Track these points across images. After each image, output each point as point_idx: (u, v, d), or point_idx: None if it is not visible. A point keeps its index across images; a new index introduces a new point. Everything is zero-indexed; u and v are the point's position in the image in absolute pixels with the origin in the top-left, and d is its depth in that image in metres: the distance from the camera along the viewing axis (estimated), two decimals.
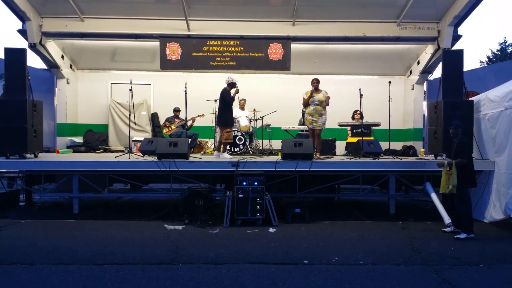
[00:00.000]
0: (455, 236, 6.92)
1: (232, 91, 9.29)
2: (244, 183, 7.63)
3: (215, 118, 11.11)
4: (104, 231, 7.07)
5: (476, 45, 48.74)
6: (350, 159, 8.94)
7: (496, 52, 33.48)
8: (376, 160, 8.78)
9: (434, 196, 8.21)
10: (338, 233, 7.13)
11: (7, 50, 8.64)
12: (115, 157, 8.98)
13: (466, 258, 5.80)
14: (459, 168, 6.82)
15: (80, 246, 6.17)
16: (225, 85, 9.33)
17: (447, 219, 7.53)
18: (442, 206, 7.94)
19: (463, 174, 6.85)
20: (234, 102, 9.46)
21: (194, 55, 10.89)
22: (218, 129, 11.19)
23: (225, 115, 9.31)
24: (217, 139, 11.23)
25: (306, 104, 9.29)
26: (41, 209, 9.18)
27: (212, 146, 11.45)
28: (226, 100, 9.20)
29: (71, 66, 12.24)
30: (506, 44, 33.32)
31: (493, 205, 7.84)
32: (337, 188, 9.43)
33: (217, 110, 9.73)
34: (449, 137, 7.30)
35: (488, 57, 33.91)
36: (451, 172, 6.85)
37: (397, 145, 11.33)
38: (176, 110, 11.17)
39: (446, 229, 7.35)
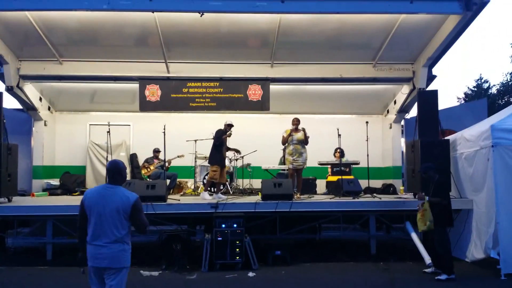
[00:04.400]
0: (436, 278, 6.87)
1: (228, 132, 9.41)
2: (223, 226, 7.53)
3: (195, 158, 11.11)
4: (77, 279, 6.79)
5: (452, 82, 50.31)
6: (330, 198, 8.92)
7: (473, 89, 34.47)
8: (356, 199, 8.77)
9: (414, 236, 8.20)
10: (320, 277, 7.02)
11: None
12: None
13: None
14: (438, 208, 6.85)
15: None
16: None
17: (427, 259, 7.51)
18: (422, 245, 7.93)
19: (441, 214, 6.88)
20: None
21: (173, 96, 10.88)
22: (197, 169, 11.17)
23: (212, 153, 9.35)
24: (197, 179, 11.18)
25: (284, 142, 9.36)
26: (15, 255, 8.89)
27: (192, 186, 11.34)
28: (215, 139, 9.34)
29: (49, 108, 12.11)
30: (482, 81, 34.38)
31: (474, 244, 7.85)
32: (318, 227, 9.35)
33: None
34: (424, 178, 7.39)
35: (465, 93, 34.85)
36: (425, 208, 6.89)
37: (377, 183, 11.39)
38: (156, 151, 11.09)
39: (427, 270, 7.31)
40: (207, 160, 9.77)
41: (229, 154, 11.20)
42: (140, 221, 3.95)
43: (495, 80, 53.77)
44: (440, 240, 6.90)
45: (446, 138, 9.18)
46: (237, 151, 10.64)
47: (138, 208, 3.93)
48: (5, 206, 8.27)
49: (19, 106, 11.65)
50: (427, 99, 9.20)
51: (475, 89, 34.28)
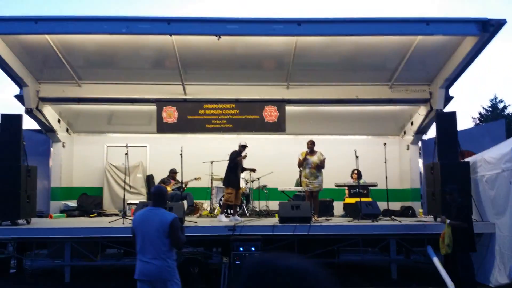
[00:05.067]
0: None
1: (243, 153, 9.38)
2: (241, 249, 7.45)
3: (211, 179, 11.10)
4: None
5: (466, 101, 49.88)
6: (349, 221, 8.81)
7: (488, 109, 34.12)
8: (376, 223, 8.65)
9: (436, 260, 8.01)
10: None
11: (3, 116, 8.72)
12: (109, 222, 8.80)
13: None
14: (460, 232, 6.71)
15: None
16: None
17: (450, 284, 7.32)
18: (444, 270, 7.74)
19: (463, 238, 6.74)
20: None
21: (190, 118, 10.96)
22: (213, 191, 11.14)
23: (227, 175, 9.33)
24: (213, 200, 11.15)
25: (300, 165, 9.32)
26: (32, 277, 8.86)
27: (208, 208, 11.30)
28: (230, 161, 9.31)
29: (67, 130, 12.26)
30: (497, 100, 34.05)
31: (497, 268, 7.65)
32: (337, 251, 9.20)
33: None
34: (446, 200, 7.26)
35: (480, 113, 34.48)
36: (445, 231, 6.77)
37: (395, 205, 11.21)
38: (173, 172, 11.06)
39: None
40: (222, 182, 9.74)
41: (245, 175, 11.19)
42: (176, 239, 4.36)
43: (510, 100, 53.24)
44: (463, 265, 6.75)
45: (466, 160, 9.05)
46: (253, 170, 10.61)
47: (176, 226, 4.34)
48: (24, 228, 8.34)
49: (37, 127, 11.82)
50: (446, 121, 9.14)
51: (490, 109, 33.91)
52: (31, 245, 8.50)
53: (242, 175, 11.05)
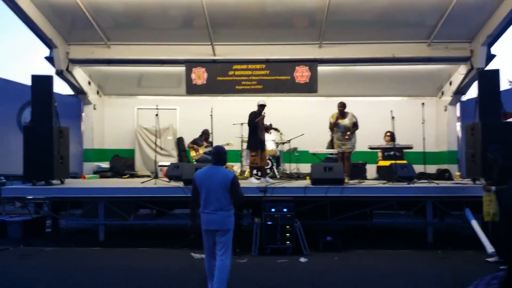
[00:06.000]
0: (500, 267, 6.41)
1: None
2: (273, 210, 7.34)
3: (241, 142, 10.98)
4: (130, 260, 6.87)
5: (504, 63, 47.77)
6: (383, 184, 8.57)
7: None
8: (411, 185, 8.38)
9: (474, 223, 7.73)
10: (374, 264, 6.72)
11: (34, 77, 8.69)
12: (141, 183, 8.85)
13: None
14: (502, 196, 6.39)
15: (105, 277, 5.98)
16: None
17: (489, 248, 7.06)
18: (483, 233, 7.47)
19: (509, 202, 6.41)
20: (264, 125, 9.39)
21: (219, 80, 10.79)
22: (244, 153, 11.03)
23: (249, 138, 9.21)
24: (243, 163, 11.06)
25: (332, 128, 9.06)
26: (68, 236, 9.10)
27: (239, 171, 11.24)
28: (249, 123, 9.16)
29: (97, 92, 12.32)
30: None
31: None
32: (370, 214, 9.03)
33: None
34: (488, 162, 6.90)
35: None
36: (491, 199, 6.44)
37: (431, 168, 10.88)
38: (206, 133, 10.90)
39: (489, 259, 6.87)
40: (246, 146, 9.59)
41: (275, 137, 11.03)
42: (237, 194, 4.96)
43: None
44: (505, 232, 6.44)
45: (508, 120, 8.59)
46: (275, 129, 10.50)
47: (236, 183, 4.93)
48: (58, 188, 8.47)
49: (69, 92, 11.92)
50: (488, 79, 8.61)
51: None
52: (65, 205, 8.65)
53: (271, 137, 10.92)
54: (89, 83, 11.81)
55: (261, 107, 9.16)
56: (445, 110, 11.75)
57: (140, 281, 5.82)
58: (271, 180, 8.98)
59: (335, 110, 9.07)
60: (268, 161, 10.34)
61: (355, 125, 8.93)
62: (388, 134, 10.50)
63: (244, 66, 10.76)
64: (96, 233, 8.33)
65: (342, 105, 8.93)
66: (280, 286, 5.62)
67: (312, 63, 10.61)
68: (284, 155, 11.33)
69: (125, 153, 12.44)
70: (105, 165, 12.04)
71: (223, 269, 4.88)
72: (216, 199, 4.85)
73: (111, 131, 12.67)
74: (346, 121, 8.87)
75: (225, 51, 10.77)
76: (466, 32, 10.14)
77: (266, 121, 10.66)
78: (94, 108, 12.07)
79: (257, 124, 9.08)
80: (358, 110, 9.22)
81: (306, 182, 8.75)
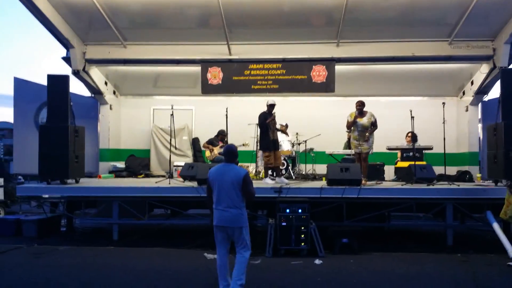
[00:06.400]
0: None
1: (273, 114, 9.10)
2: (288, 211, 7.20)
3: (257, 142, 10.86)
4: (143, 260, 6.81)
5: None
6: (402, 185, 8.35)
7: None
8: (431, 186, 8.14)
9: (496, 226, 7.47)
10: (391, 267, 6.52)
11: (50, 77, 8.72)
12: (156, 182, 8.81)
13: None
14: None
15: (117, 277, 5.93)
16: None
17: (511, 252, 6.80)
18: (505, 236, 7.21)
19: None
20: (275, 125, 9.28)
21: (235, 79, 10.71)
22: (259, 154, 10.91)
23: (261, 139, 9.14)
24: (259, 163, 10.94)
25: (349, 127, 8.86)
26: (82, 235, 9.11)
27: (253, 171, 11.12)
28: (259, 124, 9.10)
29: (114, 92, 12.38)
30: None
31: None
32: (387, 216, 8.81)
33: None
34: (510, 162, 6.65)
35: None
36: (510, 200, 6.21)
37: (451, 170, 10.59)
38: (222, 134, 10.78)
39: (511, 263, 6.61)
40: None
41: (291, 138, 10.88)
42: (249, 192, 5.01)
43: None
44: None
45: None
46: (284, 131, 10.44)
47: (248, 180, 4.99)
48: (73, 187, 8.49)
49: (86, 93, 12.00)
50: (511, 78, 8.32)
51: None
52: (80, 204, 8.66)
53: (287, 138, 10.78)
54: (106, 83, 11.87)
55: (271, 106, 9.07)
56: (466, 111, 11.46)
57: (152, 281, 5.74)
58: (285, 180, 8.85)
59: (352, 110, 8.88)
60: (283, 161, 10.20)
61: (373, 125, 8.73)
62: (410, 134, 10.25)
63: (260, 66, 10.66)
64: (110, 232, 8.33)
65: (360, 104, 8.73)
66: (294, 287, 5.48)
67: (329, 62, 10.45)
68: (300, 156, 11.18)
69: (141, 153, 12.48)
70: (121, 165, 12.09)
71: (242, 261, 4.97)
72: (228, 196, 4.90)
73: (127, 131, 12.74)
74: (364, 120, 8.67)
75: (241, 51, 10.69)
76: (488, 30, 9.87)
77: (283, 121, 10.56)
78: (111, 108, 12.12)
79: (267, 126, 8.97)
80: (377, 110, 9.01)
81: (322, 183, 8.58)
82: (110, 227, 8.39)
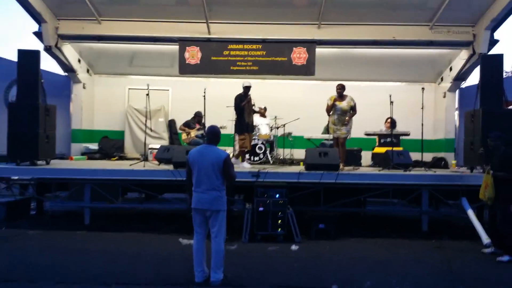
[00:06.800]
0: (498, 259, 6.26)
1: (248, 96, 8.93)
2: (265, 196, 7.10)
3: (234, 125, 10.67)
4: (116, 245, 6.64)
5: (506, 50, 47.22)
6: (379, 170, 8.33)
7: None
8: (408, 172, 8.14)
9: (471, 213, 7.54)
10: (368, 253, 6.52)
11: (21, 52, 8.34)
12: (130, 165, 8.55)
13: None
14: (503, 183, 6.18)
15: (88, 262, 5.75)
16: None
17: (485, 239, 6.88)
18: (479, 223, 7.28)
19: (506, 190, 6.20)
20: (253, 108, 9.13)
21: (214, 59, 10.45)
22: (236, 137, 10.73)
23: (237, 122, 8.97)
24: (236, 147, 10.77)
25: (328, 110, 8.73)
26: (52, 218, 8.81)
27: (231, 155, 10.96)
28: (235, 106, 8.90)
29: (88, 71, 11.95)
30: None
31: None
32: (363, 202, 8.81)
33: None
34: (488, 149, 6.66)
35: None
36: (488, 182, 6.24)
37: (426, 156, 10.59)
38: (199, 115, 10.53)
39: (485, 250, 6.70)
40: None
41: (269, 121, 10.73)
42: (229, 174, 4.94)
43: None
44: (504, 219, 6.25)
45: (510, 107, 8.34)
46: (262, 114, 10.29)
47: (229, 163, 4.91)
48: (43, 169, 8.20)
49: (58, 70, 11.57)
50: (491, 65, 8.34)
51: None
52: (51, 186, 8.38)
53: (265, 121, 10.63)
54: (79, 60, 11.44)
55: (247, 88, 8.88)
56: (444, 97, 11.50)
57: (124, 266, 5.59)
58: (248, 165, 8.71)
59: (332, 94, 8.75)
60: (261, 145, 10.07)
61: (353, 109, 8.62)
62: (389, 120, 10.24)
63: (240, 46, 10.42)
64: (81, 216, 8.09)
65: (341, 87, 8.60)
66: (269, 274, 5.40)
67: (310, 45, 10.28)
68: (278, 140, 11.05)
69: (115, 135, 12.15)
70: (94, 146, 11.76)
71: (218, 252, 4.90)
72: (208, 178, 4.82)
73: (100, 111, 12.34)
74: (343, 104, 8.55)
75: (221, 30, 10.40)
76: (469, 15, 9.83)
77: (261, 104, 10.39)
78: (84, 87, 11.71)
79: (243, 108, 8.79)
80: (356, 95, 8.88)
81: (300, 168, 8.49)
82: (81, 210, 8.15)
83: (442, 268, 5.82)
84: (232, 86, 11.05)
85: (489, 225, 6.70)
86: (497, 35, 9.91)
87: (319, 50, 10.32)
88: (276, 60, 10.35)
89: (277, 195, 7.11)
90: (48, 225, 8.07)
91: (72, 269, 5.44)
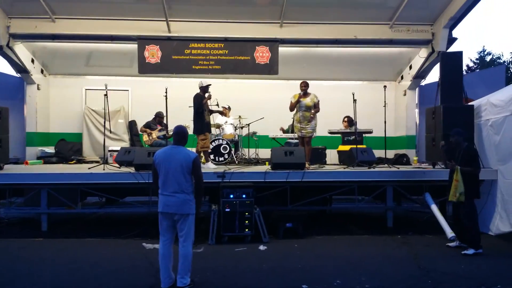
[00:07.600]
0: (463, 252, 6.38)
1: (207, 94, 8.74)
2: (231, 196, 6.97)
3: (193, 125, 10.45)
4: (75, 252, 6.32)
5: (463, 47, 48.88)
6: (344, 168, 8.36)
7: (475, 61, 33.51)
8: (372, 169, 8.21)
9: (434, 208, 7.69)
10: (335, 251, 6.50)
11: None
12: (88, 168, 8.20)
13: (480, 278, 5.27)
14: (467, 178, 6.30)
15: (46, 271, 5.42)
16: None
17: (449, 233, 7.02)
18: (443, 217, 7.43)
19: (469, 185, 6.33)
20: (212, 107, 8.98)
21: (175, 58, 10.21)
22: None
23: (197, 122, 8.72)
24: (198, 148, 10.56)
25: (292, 108, 8.67)
26: (7, 226, 8.35)
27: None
28: (196, 106, 8.67)
29: (42, 71, 11.43)
30: (485, 53, 33.42)
31: (499, 216, 7.34)
32: (329, 200, 8.82)
33: None
34: (449, 144, 6.78)
35: (467, 65, 33.73)
36: (457, 178, 6.33)
37: (389, 153, 10.76)
38: (160, 116, 10.28)
39: (450, 244, 6.82)
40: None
41: (234, 121, 10.59)
42: (198, 176, 4.73)
43: (500, 53, 52.46)
44: (467, 213, 6.38)
45: (469, 103, 8.54)
46: (221, 113, 10.20)
47: (198, 164, 4.72)
48: None
49: (11, 71, 11.01)
50: (451, 61, 8.54)
51: (478, 61, 33.26)
52: (5, 192, 7.89)
53: (230, 120, 10.49)
54: (33, 60, 10.91)
55: (206, 87, 8.75)
56: (404, 95, 11.72)
57: (85, 275, 5.30)
58: (213, 166, 8.56)
59: (295, 93, 8.71)
60: (226, 145, 9.91)
61: (316, 106, 8.60)
62: (346, 119, 10.32)
63: (202, 45, 10.24)
64: (38, 223, 7.69)
65: (305, 85, 8.57)
66: (238, 276, 5.27)
67: (273, 43, 10.23)
68: (243, 140, 10.93)
69: (72, 137, 11.68)
70: (50, 150, 11.25)
71: (186, 256, 4.70)
72: (175, 180, 4.61)
73: (56, 113, 11.83)
74: (307, 100, 8.52)
75: (181, 28, 10.14)
76: (428, 14, 10.03)
77: (225, 104, 10.23)
78: (38, 88, 11.20)
79: (203, 107, 8.63)
80: (319, 94, 8.87)
81: (266, 167, 8.40)
82: (38, 217, 7.76)
83: (409, 264, 5.86)
84: (194, 85, 10.75)
85: (453, 219, 6.81)
86: (455, 33, 10.20)
87: (282, 50, 10.29)
88: (239, 59, 10.23)
89: (244, 196, 6.99)
90: (2, 233, 7.64)
91: (28, 280, 5.11)
